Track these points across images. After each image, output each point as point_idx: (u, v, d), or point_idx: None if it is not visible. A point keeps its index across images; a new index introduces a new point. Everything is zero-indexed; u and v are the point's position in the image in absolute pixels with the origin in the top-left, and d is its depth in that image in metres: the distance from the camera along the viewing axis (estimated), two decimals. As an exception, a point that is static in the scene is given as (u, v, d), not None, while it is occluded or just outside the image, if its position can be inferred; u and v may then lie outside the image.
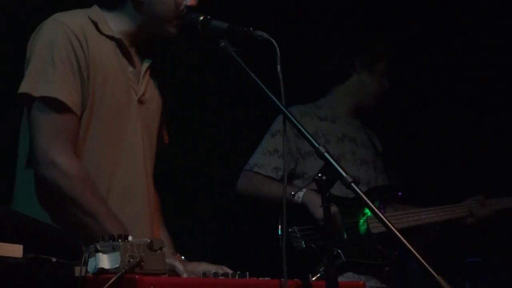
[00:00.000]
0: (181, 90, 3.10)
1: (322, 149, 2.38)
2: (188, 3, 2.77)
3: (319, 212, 3.48)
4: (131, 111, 2.77)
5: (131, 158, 2.76)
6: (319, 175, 2.37)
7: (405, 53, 4.86)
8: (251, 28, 2.60)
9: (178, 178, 4.19)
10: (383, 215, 2.34)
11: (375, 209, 2.34)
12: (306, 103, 4.08)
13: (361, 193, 2.31)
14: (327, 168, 2.37)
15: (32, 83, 2.62)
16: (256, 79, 2.52)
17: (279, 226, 3.51)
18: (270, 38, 2.53)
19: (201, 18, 2.71)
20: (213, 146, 4.56)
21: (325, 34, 4.79)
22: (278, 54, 2.49)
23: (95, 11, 2.80)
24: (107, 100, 2.71)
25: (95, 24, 2.75)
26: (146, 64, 2.85)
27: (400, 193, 3.99)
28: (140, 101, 2.81)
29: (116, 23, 2.79)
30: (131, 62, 2.80)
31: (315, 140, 2.40)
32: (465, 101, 5.00)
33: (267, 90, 2.49)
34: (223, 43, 2.62)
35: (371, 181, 3.99)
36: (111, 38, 2.76)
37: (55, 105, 2.60)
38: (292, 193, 3.31)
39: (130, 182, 2.75)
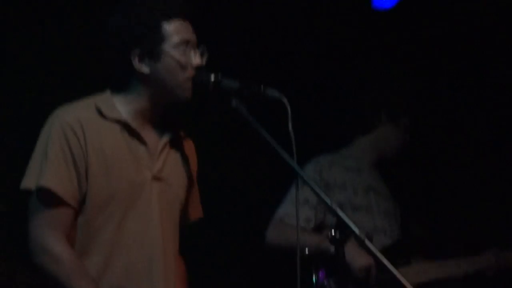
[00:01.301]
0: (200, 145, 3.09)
1: (335, 206, 2.38)
2: (195, 64, 2.77)
3: (354, 265, 3.49)
4: (144, 189, 2.76)
5: (146, 235, 2.75)
6: (333, 232, 2.37)
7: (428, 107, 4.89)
8: (262, 86, 2.61)
9: (201, 237, 4.17)
10: (398, 271, 2.32)
11: (390, 266, 2.32)
12: (332, 152, 4.05)
13: (374, 250, 2.31)
14: (341, 224, 2.37)
15: (28, 178, 2.70)
16: (268, 137, 2.53)
17: (313, 275, 3.58)
18: (281, 97, 2.55)
19: (212, 77, 2.73)
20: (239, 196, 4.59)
21: (351, 82, 4.83)
22: (289, 112, 2.51)
23: (103, 97, 2.83)
24: (114, 183, 2.72)
25: (99, 110, 2.77)
26: (164, 140, 2.85)
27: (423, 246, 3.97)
28: (156, 178, 2.80)
29: (126, 104, 2.80)
30: (141, 141, 2.79)
31: (327, 198, 2.41)
32: (482, 152, 4.99)
33: (279, 149, 2.49)
34: (234, 102, 2.63)
35: (394, 233, 3.97)
36: (117, 121, 2.77)
37: (46, 195, 2.66)
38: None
39: (146, 259, 2.74)
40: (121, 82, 2.82)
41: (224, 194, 4.49)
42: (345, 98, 4.28)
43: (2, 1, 3.96)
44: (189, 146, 3.00)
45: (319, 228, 3.82)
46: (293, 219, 3.73)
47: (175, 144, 2.91)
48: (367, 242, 2.31)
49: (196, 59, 2.78)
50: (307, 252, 3.57)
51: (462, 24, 4.86)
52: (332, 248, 3.50)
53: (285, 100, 2.52)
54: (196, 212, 3.05)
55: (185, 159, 2.94)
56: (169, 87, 2.77)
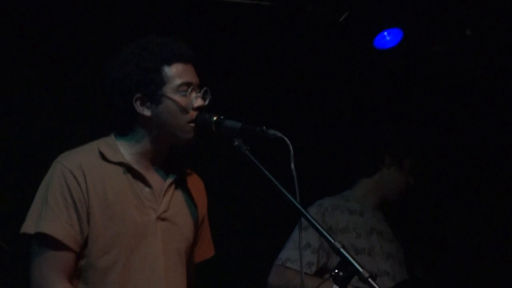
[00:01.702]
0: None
1: (338, 245, 2.38)
2: (196, 106, 2.80)
3: None
4: (148, 230, 2.78)
5: (151, 276, 2.77)
6: (336, 271, 2.37)
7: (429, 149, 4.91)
8: (264, 127, 2.62)
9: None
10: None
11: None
12: (335, 195, 4.04)
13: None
14: (344, 263, 2.37)
15: (28, 223, 2.74)
16: (271, 177, 2.54)
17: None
18: (283, 137, 2.55)
19: (215, 118, 2.75)
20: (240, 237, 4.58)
21: (348, 121, 4.85)
22: (292, 152, 2.51)
23: (107, 141, 2.86)
24: (117, 225, 2.74)
25: (102, 154, 2.81)
26: (169, 180, 2.87)
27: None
28: (161, 218, 2.82)
29: (130, 147, 2.84)
30: (145, 182, 2.82)
31: (330, 236, 2.41)
32: (485, 190, 5.00)
33: (282, 188, 2.50)
34: (236, 142, 2.65)
35: (396, 275, 3.93)
36: (119, 164, 2.81)
37: (46, 240, 2.70)
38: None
39: None
40: (125, 126, 2.86)
41: (226, 235, 4.48)
42: (349, 140, 4.29)
43: (9, 46, 4.01)
44: (198, 186, 3.02)
45: (322, 272, 3.81)
46: (295, 263, 3.73)
47: (181, 184, 2.93)
48: (370, 280, 2.30)
49: (197, 101, 2.81)
50: None
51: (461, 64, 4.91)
52: None
53: (287, 140, 2.53)
54: (207, 250, 3.08)
55: (192, 198, 2.96)
56: (171, 130, 2.80)
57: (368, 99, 5.07)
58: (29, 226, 2.73)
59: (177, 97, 2.78)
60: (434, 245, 5.04)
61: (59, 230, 2.69)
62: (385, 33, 4.69)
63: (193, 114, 2.80)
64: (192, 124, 2.80)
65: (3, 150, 3.95)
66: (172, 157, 2.92)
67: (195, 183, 3.01)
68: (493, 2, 4.51)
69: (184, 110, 2.78)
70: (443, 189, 5.11)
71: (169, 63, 2.80)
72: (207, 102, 2.84)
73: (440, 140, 5.11)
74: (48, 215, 2.71)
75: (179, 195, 2.92)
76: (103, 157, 2.81)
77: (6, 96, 4.01)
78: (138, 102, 2.80)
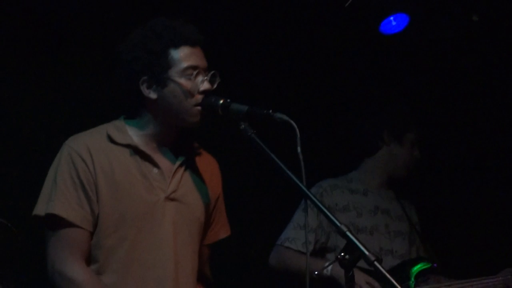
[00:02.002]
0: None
1: (344, 228, 2.38)
2: (202, 89, 2.81)
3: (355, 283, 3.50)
4: (157, 210, 2.81)
5: (158, 255, 2.79)
6: (342, 254, 2.37)
7: (435, 121, 4.89)
8: (270, 110, 2.62)
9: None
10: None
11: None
12: (338, 176, 4.07)
13: (384, 272, 2.30)
14: (350, 246, 2.37)
15: (39, 206, 2.78)
16: (277, 160, 2.54)
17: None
18: (290, 120, 2.55)
19: (221, 101, 2.75)
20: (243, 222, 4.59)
21: (353, 105, 4.84)
22: (298, 135, 2.51)
23: (116, 123, 2.90)
24: (126, 204, 2.77)
25: (109, 136, 2.84)
26: (178, 161, 2.89)
27: (435, 265, 3.94)
28: (170, 198, 2.84)
29: (138, 129, 2.87)
30: (154, 163, 2.85)
31: (336, 219, 2.41)
32: (497, 169, 5.00)
33: (288, 171, 2.50)
34: (243, 125, 2.65)
35: (405, 254, 3.95)
36: (127, 146, 2.83)
37: (57, 221, 2.74)
38: (326, 265, 3.39)
39: (156, 278, 2.78)
40: (132, 109, 2.89)
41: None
42: (351, 122, 4.30)
43: (19, 35, 4.01)
44: (211, 166, 3.05)
45: (323, 251, 3.83)
46: (294, 242, 3.81)
47: (192, 165, 2.95)
48: (376, 263, 2.30)
49: (204, 84, 2.81)
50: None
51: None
52: (325, 272, 3.59)
53: (293, 123, 2.53)
54: (223, 230, 3.10)
55: (204, 179, 2.98)
56: (176, 112, 2.82)
57: (373, 84, 5.06)
58: (39, 208, 2.77)
59: (182, 81, 2.80)
60: (446, 224, 5.05)
61: (69, 211, 2.73)
62: (391, 18, 4.69)
63: (199, 97, 2.81)
64: (198, 107, 2.80)
65: (13, 135, 3.95)
66: (182, 139, 2.93)
67: (207, 163, 3.03)
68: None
69: (189, 93, 2.80)
70: (448, 169, 5.12)
71: (176, 46, 2.81)
72: (215, 86, 2.85)
73: (445, 128, 5.11)
74: (57, 196, 2.74)
75: (189, 176, 2.94)
76: (111, 139, 2.84)
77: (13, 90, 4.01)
78: (144, 85, 2.82)
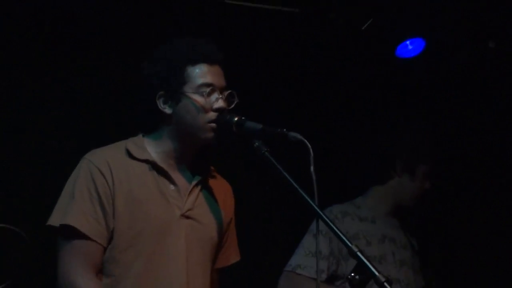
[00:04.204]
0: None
1: (355, 248, 2.38)
2: (216, 106, 2.83)
3: None
4: (172, 227, 2.82)
5: (171, 272, 2.80)
6: (352, 274, 2.37)
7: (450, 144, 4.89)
8: (284, 129, 2.63)
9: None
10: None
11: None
12: (344, 202, 4.02)
13: (393, 293, 2.30)
14: (360, 267, 2.37)
15: (54, 216, 2.79)
16: (290, 179, 2.54)
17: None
18: (304, 139, 2.55)
19: (236, 119, 2.77)
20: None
21: (368, 129, 4.84)
22: (311, 154, 2.51)
23: (135, 139, 2.92)
24: (141, 220, 2.78)
25: (128, 151, 2.86)
26: (195, 181, 2.91)
27: None
28: (186, 217, 2.86)
29: (155, 146, 2.89)
30: (170, 180, 2.87)
31: (348, 240, 2.41)
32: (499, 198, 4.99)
33: (300, 190, 2.50)
34: (257, 143, 2.66)
35: (410, 283, 3.92)
36: (145, 161, 2.86)
37: (72, 233, 2.74)
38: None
39: None
40: (150, 124, 2.92)
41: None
42: (362, 147, 4.29)
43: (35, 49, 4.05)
44: (225, 189, 3.06)
45: (332, 279, 3.80)
46: (305, 270, 3.74)
47: (208, 186, 2.97)
48: (386, 284, 2.30)
49: (218, 102, 2.83)
50: None
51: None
52: None
53: (307, 142, 2.54)
54: (233, 255, 3.11)
55: (218, 201, 3.00)
56: (190, 129, 2.84)
57: (390, 108, 5.06)
58: (55, 219, 2.78)
59: (195, 97, 2.82)
60: (448, 253, 5.02)
61: (84, 224, 2.74)
62: (408, 42, 4.70)
63: (212, 114, 2.82)
64: (213, 124, 2.82)
65: (27, 144, 3.98)
66: (200, 159, 2.95)
67: (222, 186, 3.05)
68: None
69: (202, 109, 2.81)
70: (458, 194, 5.11)
71: (194, 63, 2.85)
72: (232, 106, 2.87)
73: (461, 150, 5.10)
74: (74, 209, 2.75)
75: (204, 196, 2.95)
76: (130, 155, 2.86)
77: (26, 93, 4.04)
78: (161, 100, 2.85)
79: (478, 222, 5.00)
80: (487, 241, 4.94)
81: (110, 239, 2.78)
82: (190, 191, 2.89)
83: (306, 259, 3.77)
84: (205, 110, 2.82)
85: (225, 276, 3.04)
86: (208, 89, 2.82)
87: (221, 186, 3.05)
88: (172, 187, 2.86)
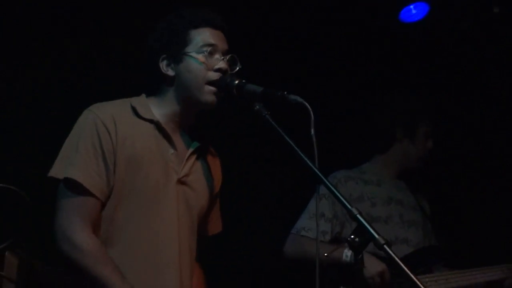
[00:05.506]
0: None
1: (355, 211, 2.37)
2: (217, 67, 2.84)
3: (368, 272, 3.53)
4: (168, 191, 2.83)
5: (164, 235, 2.81)
6: (352, 236, 2.37)
7: (446, 110, 4.88)
8: (285, 92, 2.62)
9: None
10: (417, 278, 2.30)
11: (408, 272, 2.30)
12: (352, 168, 4.07)
13: (393, 255, 2.30)
14: (360, 229, 2.37)
15: (57, 168, 2.77)
16: (291, 142, 2.53)
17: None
18: (304, 102, 2.54)
19: (236, 82, 2.77)
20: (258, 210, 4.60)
21: (370, 95, 4.83)
22: (312, 117, 2.50)
23: (139, 98, 2.93)
24: (140, 180, 2.79)
25: (134, 109, 2.86)
26: (192, 148, 2.93)
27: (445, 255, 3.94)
28: (181, 182, 2.87)
29: (158, 107, 2.90)
30: (171, 144, 2.88)
31: (348, 202, 2.40)
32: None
33: (301, 153, 2.49)
34: (257, 106, 2.65)
35: (420, 243, 3.95)
36: (150, 121, 2.86)
37: (74, 186, 2.73)
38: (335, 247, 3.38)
39: (161, 259, 2.80)
40: (154, 87, 2.93)
41: (244, 202, 4.51)
42: (363, 117, 4.29)
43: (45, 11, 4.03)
44: (215, 162, 3.09)
45: (336, 241, 3.83)
46: (310, 232, 3.80)
47: (203, 155, 2.99)
48: (386, 246, 2.29)
49: (220, 63, 2.84)
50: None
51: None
52: (346, 257, 3.59)
53: (308, 105, 2.52)
54: (216, 226, 3.15)
55: (210, 172, 3.02)
56: (191, 89, 2.85)
57: (392, 72, 5.04)
58: (58, 171, 2.76)
59: (197, 55, 2.84)
60: (454, 213, 5.04)
61: (87, 178, 2.73)
62: (411, 6, 4.68)
63: (213, 74, 2.83)
64: (213, 88, 2.83)
65: (22, 102, 3.97)
66: (198, 127, 2.97)
67: (213, 159, 3.07)
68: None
69: (203, 68, 2.82)
70: (463, 154, 5.11)
71: (196, 27, 2.87)
72: (235, 71, 2.87)
73: (461, 118, 5.09)
74: (78, 162, 2.74)
75: (200, 164, 2.97)
76: (135, 112, 2.87)
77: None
78: (164, 63, 2.87)
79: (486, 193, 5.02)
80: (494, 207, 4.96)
81: (109, 196, 2.78)
82: (188, 157, 2.90)
83: (310, 222, 3.84)
84: (206, 68, 2.83)
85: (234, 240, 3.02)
86: (210, 48, 2.84)
87: (213, 157, 3.07)
88: (171, 151, 2.87)
